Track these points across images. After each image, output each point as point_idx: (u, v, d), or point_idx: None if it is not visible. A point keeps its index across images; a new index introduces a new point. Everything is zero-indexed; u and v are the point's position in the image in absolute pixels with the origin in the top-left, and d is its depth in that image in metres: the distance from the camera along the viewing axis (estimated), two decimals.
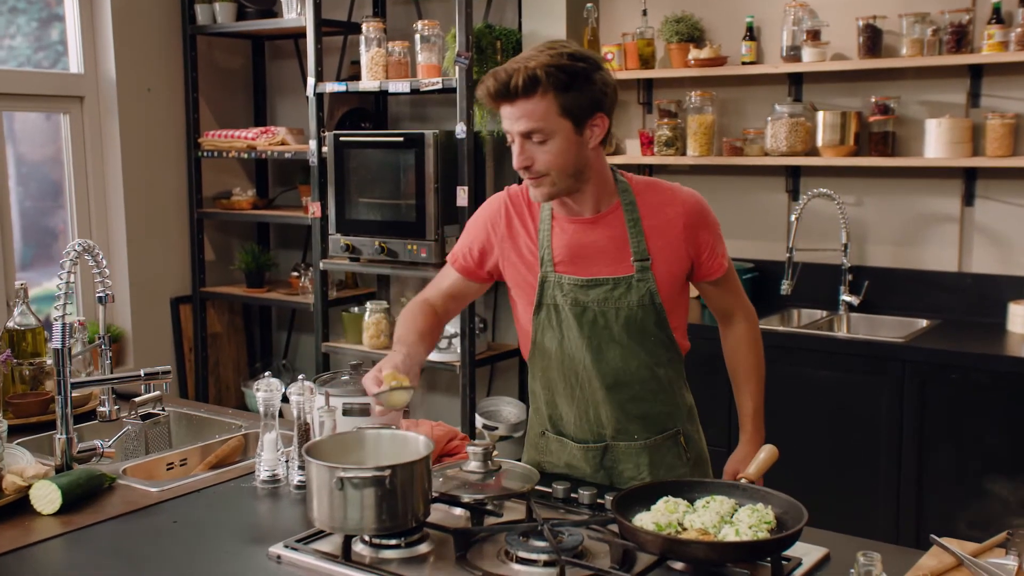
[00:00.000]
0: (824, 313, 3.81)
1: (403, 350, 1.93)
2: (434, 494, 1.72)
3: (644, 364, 1.99)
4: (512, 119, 1.83)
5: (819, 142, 3.72)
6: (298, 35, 4.73)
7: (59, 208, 4.56)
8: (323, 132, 4.31)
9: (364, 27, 4.17)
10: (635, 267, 1.94)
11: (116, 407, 2.32)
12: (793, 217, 3.76)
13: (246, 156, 4.68)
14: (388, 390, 1.79)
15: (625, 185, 1.98)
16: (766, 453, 1.84)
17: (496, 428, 4.24)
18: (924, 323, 3.58)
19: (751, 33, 3.83)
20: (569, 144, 1.84)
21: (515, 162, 1.86)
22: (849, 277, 3.77)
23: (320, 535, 1.70)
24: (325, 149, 4.26)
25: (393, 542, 1.66)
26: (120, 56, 4.51)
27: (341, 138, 4.21)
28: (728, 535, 1.55)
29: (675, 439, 2.07)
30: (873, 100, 3.64)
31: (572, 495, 1.85)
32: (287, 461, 2.01)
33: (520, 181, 2.03)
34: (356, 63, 4.41)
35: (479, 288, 2.14)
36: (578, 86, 1.80)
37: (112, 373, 2.32)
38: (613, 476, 2.06)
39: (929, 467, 3.20)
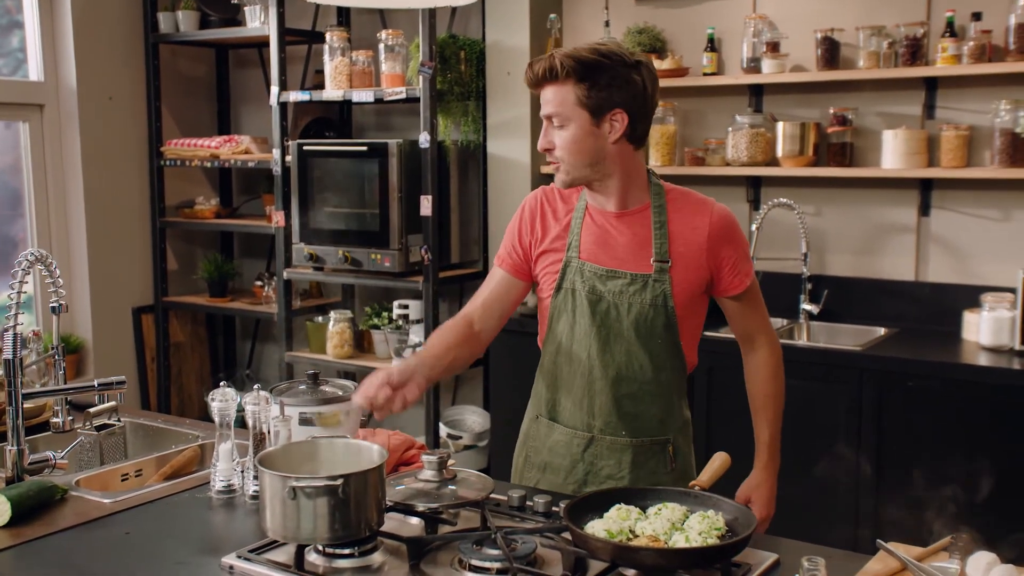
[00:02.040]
0: (784, 321, 3.85)
1: (409, 360, 1.95)
2: (388, 503, 1.72)
3: (647, 365, 2.02)
4: (542, 103, 1.98)
5: (779, 153, 3.76)
6: (262, 44, 4.72)
7: (19, 217, 4.51)
8: (287, 141, 4.30)
9: (328, 36, 4.17)
10: (654, 267, 1.99)
11: (70, 418, 2.30)
12: (754, 227, 3.80)
13: (209, 165, 4.66)
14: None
15: (659, 188, 2.05)
16: (720, 461, 1.85)
17: (460, 437, 4.26)
18: (882, 331, 3.62)
19: (712, 44, 3.87)
20: (584, 134, 1.94)
21: (539, 143, 2.00)
22: (809, 286, 3.81)
23: (273, 545, 1.70)
24: (289, 158, 4.25)
25: (347, 551, 1.66)
26: (81, 64, 4.48)
27: (305, 147, 4.20)
28: (678, 542, 1.56)
29: (663, 447, 2.07)
30: (831, 111, 3.69)
31: (527, 503, 1.86)
32: (243, 471, 2.01)
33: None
34: (320, 72, 4.41)
35: (524, 289, 2.14)
36: (594, 78, 1.91)
37: (66, 383, 2.30)
38: (591, 474, 2.07)
39: (886, 473, 3.24)
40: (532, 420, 2.18)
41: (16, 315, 1.98)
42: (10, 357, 1.98)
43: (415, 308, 4.13)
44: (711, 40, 3.87)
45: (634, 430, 2.05)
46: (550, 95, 1.94)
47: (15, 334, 1.97)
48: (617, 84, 1.92)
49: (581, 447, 2.07)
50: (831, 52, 3.64)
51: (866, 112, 3.70)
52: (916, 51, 3.49)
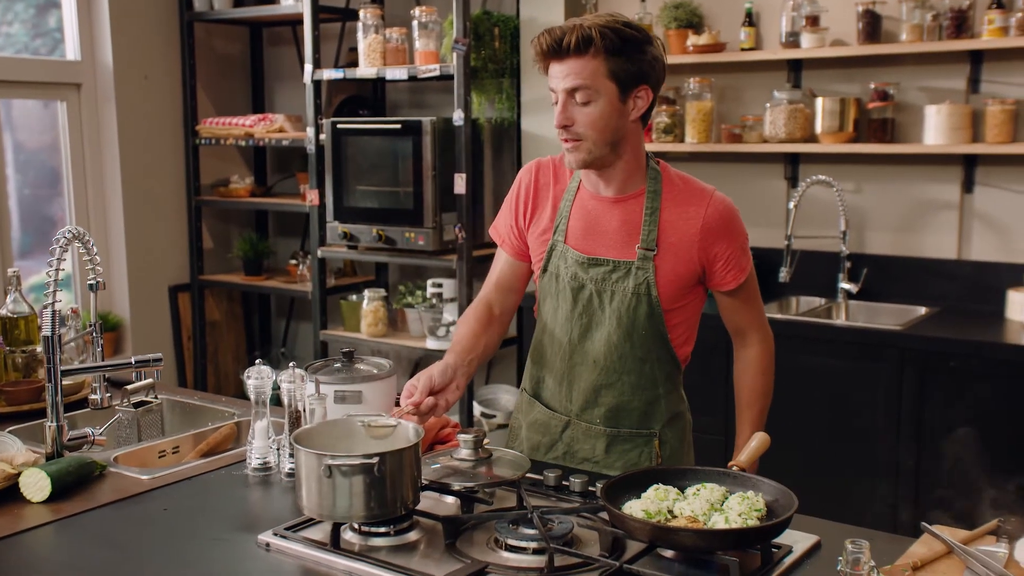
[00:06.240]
0: (822, 300, 3.80)
1: (447, 359, 1.96)
2: (424, 482, 1.71)
3: (628, 355, 1.98)
4: (559, 76, 1.85)
5: (818, 129, 3.70)
6: (296, 22, 4.71)
7: (57, 196, 4.56)
8: (321, 119, 4.30)
9: (362, 13, 4.15)
10: (638, 253, 1.93)
11: (108, 395, 2.31)
12: (792, 204, 3.74)
13: (244, 143, 4.67)
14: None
15: (656, 173, 1.96)
16: (758, 441, 1.82)
17: (494, 416, 4.26)
18: (923, 311, 3.56)
19: (750, 19, 3.81)
20: (611, 109, 1.85)
21: (556, 120, 1.87)
22: (848, 264, 3.75)
23: (309, 523, 1.70)
24: (323, 136, 4.25)
25: (382, 530, 1.65)
26: (117, 43, 4.50)
27: (339, 125, 4.19)
28: (717, 523, 1.54)
29: (647, 440, 2.04)
30: (872, 86, 3.62)
31: (563, 483, 1.84)
32: (278, 449, 2.01)
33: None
34: (354, 50, 4.40)
35: (529, 267, 2.11)
36: (628, 53, 1.83)
37: (104, 360, 2.31)
38: (568, 455, 2.08)
39: (926, 455, 3.19)
40: (521, 391, 2.20)
41: (54, 292, 1.99)
42: (49, 334, 1.98)
43: (449, 287, 4.12)
44: (749, 14, 3.81)
45: (610, 419, 2.03)
46: (577, 67, 1.82)
47: (54, 311, 1.98)
48: (646, 60, 1.86)
49: (559, 428, 2.08)
50: (872, 25, 3.56)
51: (908, 87, 3.63)
52: (961, 23, 3.40)
